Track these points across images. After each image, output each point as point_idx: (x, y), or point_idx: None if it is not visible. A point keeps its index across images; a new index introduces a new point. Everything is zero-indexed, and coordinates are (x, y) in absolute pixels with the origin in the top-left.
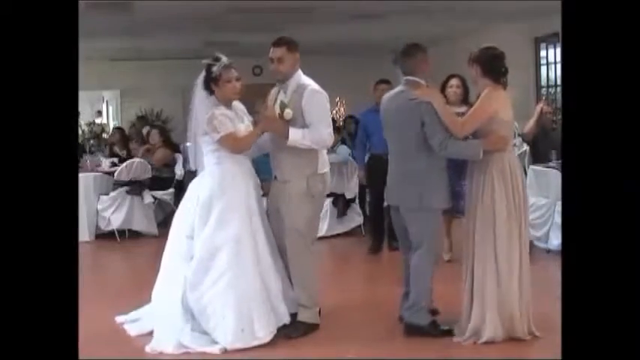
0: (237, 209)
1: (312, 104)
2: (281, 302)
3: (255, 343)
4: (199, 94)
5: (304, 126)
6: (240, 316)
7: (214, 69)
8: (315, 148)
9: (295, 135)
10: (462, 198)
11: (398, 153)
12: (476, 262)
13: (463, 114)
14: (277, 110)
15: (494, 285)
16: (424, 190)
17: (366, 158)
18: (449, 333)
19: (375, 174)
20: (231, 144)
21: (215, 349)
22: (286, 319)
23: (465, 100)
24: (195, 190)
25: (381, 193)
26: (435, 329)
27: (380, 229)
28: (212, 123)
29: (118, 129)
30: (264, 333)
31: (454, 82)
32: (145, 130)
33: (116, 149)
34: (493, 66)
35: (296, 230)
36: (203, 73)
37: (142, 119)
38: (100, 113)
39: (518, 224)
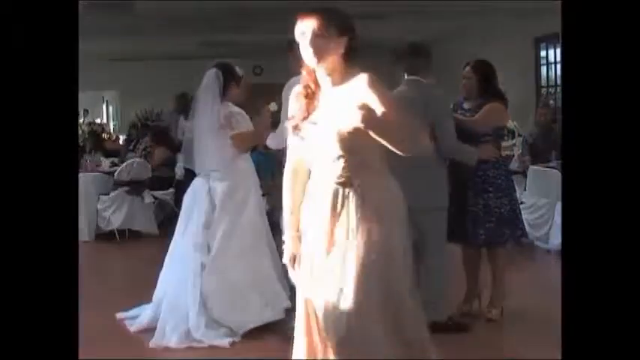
0: (252, 200)
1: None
2: (282, 286)
3: (266, 320)
4: (213, 93)
5: None
6: (254, 298)
7: (238, 70)
8: None
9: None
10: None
11: None
12: None
13: (470, 109)
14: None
15: None
16: (431, 188)
17: None
18: (464, 328)
19: None
20: (239, 142)
21: (225, 342)
22: (288, 304)
23: (483, 90)
24: (208, 183)
25: None
26: (453, 323)
27: None
28: (229, 120)
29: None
30: (273, 313)
31: (465, 72)
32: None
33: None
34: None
35: None
36: (220, 74)
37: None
38: (87, 112)
39: None
